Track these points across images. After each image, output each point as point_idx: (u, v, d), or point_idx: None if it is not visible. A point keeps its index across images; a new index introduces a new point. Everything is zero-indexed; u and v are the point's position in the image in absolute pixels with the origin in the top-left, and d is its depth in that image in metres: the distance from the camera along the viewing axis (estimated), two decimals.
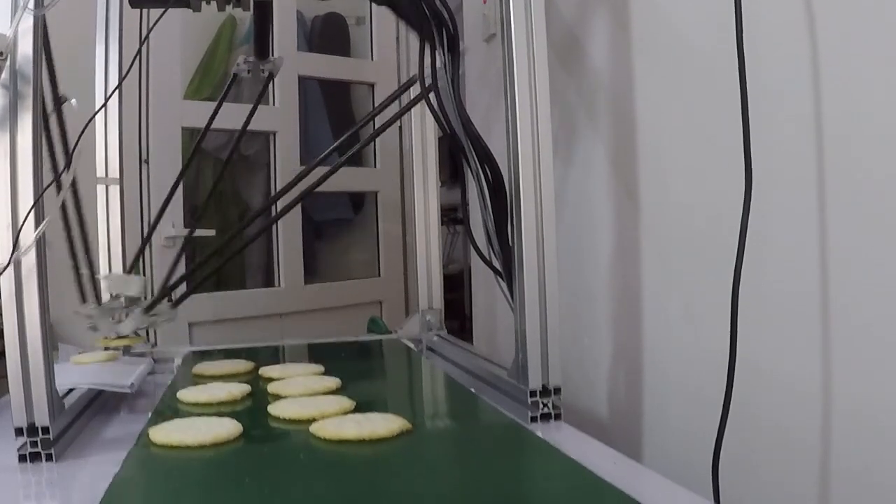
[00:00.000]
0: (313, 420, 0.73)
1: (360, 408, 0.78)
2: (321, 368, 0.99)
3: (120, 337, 1.04)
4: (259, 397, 0.87)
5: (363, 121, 1.17)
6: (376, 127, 1.11)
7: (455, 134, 0.92)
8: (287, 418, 0.76)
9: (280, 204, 1.11)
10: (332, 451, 0.67)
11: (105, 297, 1.08)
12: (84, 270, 1.04)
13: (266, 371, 0.98)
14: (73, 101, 0.84)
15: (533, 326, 0.80)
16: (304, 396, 0.84)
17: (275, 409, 0.79)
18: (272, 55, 1.43)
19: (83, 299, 1.04)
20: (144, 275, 1.75)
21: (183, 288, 1.11)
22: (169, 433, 0.69)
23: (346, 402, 0.79)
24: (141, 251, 1.14)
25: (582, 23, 1.12)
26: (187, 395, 0.87)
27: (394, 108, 1.13)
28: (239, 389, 0.87)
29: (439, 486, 0.61)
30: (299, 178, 1.07)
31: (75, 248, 1.03)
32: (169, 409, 0.82)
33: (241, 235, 1.15)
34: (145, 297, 1.06)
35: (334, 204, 2.45)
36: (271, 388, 0.88)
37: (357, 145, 1.17)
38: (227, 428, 0.70)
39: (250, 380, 0.94)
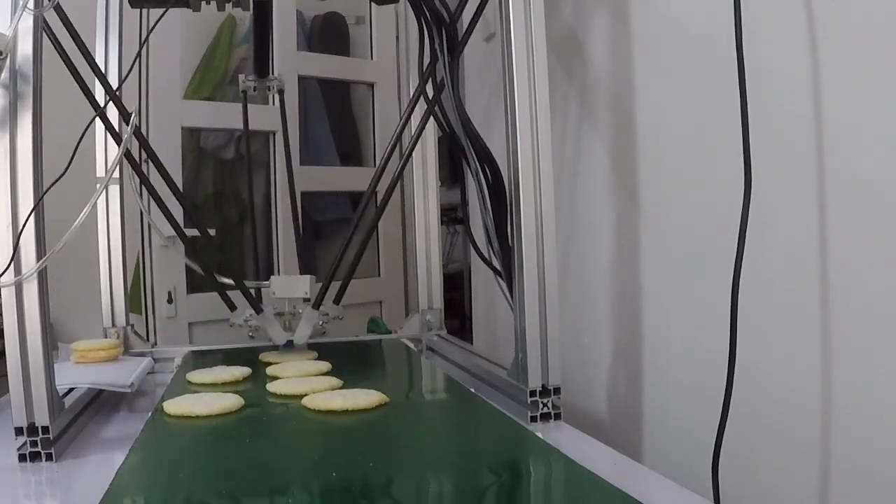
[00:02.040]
0: (305, 395, 0.83)
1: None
2: (315, 354, 1.08)
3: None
4: (258, 378, 0.96)
5: (390, 147, 1.16)
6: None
7: (455, 134, 0.92)
8: (282, 394, 0.87)
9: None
10: (319, 419, 0.78)
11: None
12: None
13: (265, 356, 1.07)
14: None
15: (533, 326, 0.81)
16: (299, 377, 0.93)
17: (272, 387, 0.89)
18: (272, 73, 1.44)
19: (231, 307, 1.03)
20: (144, 275, 1.76)
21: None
22: (180, 405, 0.80)
23: (335, 381, 0.90)
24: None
25: (582, 23, 1.12)
26: (195, 376, 0.95)
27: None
28: (241, 371, 0.97)
29: (415, 446, 0.71)
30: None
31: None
32: (180, 388, 0.91)
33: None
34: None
35: (334, 204, 2.45)
36: (269, 370, 0.98)
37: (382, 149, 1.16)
38: (231, 401, 0.81)
39: (251, 366, 1.02)
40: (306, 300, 1.09)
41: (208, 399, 0.82)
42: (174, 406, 0.80)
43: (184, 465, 0.65)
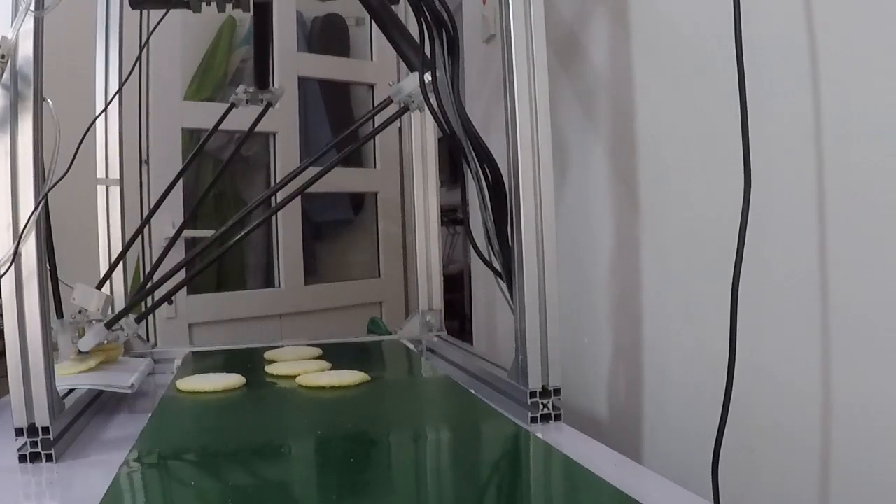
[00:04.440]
0: (298, 375, 0.96)
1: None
2: (319, 352, 1.14)
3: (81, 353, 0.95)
4: (258, 363, 1.07)
5: (361, 119, 1.17)
6: (375, 126, 1.11)
7: (455, 134, 0.92)
8: (279, 374, 1.00)
9: (275, 202, 1.11)
10: (310, 394, 0.91)
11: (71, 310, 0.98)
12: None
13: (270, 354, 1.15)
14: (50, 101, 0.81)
15: (533, 327, 0.80)
16: (293, 361, 1.05)
17: (269, 368, 1.02)
18: (272, 85, 1.44)
19: (59, 314, 0.98)
20: (144, 275, 1.76)
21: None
22: (191, 383, 0.93)
23: (324, 364, 1.02)
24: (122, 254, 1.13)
25: (582, 23, 1.12)
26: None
27: (393, 108, 1.14)
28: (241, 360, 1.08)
29: (390, 412, 0.86)
30: (294, 174, 1.07)
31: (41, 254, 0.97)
32: (188, 372, 1.03)
33: (224, 239, 1.12)
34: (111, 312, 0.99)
35: (334, 205, 2.45)
36: (267, 355, 1.10)
37: (353, 145, 1.17)
38: (234, 379, 0.94)
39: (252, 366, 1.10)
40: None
41: (214, 378, 0.95)
42: (185, 384, 0.93)
43: (195, 428, 0.80)
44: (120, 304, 1.18)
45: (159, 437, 0.74)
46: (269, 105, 1.45)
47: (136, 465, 0.65)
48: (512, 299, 0.86)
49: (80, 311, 1.01)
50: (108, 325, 0.98)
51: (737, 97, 0.69)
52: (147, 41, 1.28)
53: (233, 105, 1.41)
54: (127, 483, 0.61)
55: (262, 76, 1.40)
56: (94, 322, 1.00)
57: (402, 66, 2.37)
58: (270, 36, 1.28)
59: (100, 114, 1.15)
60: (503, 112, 0.83)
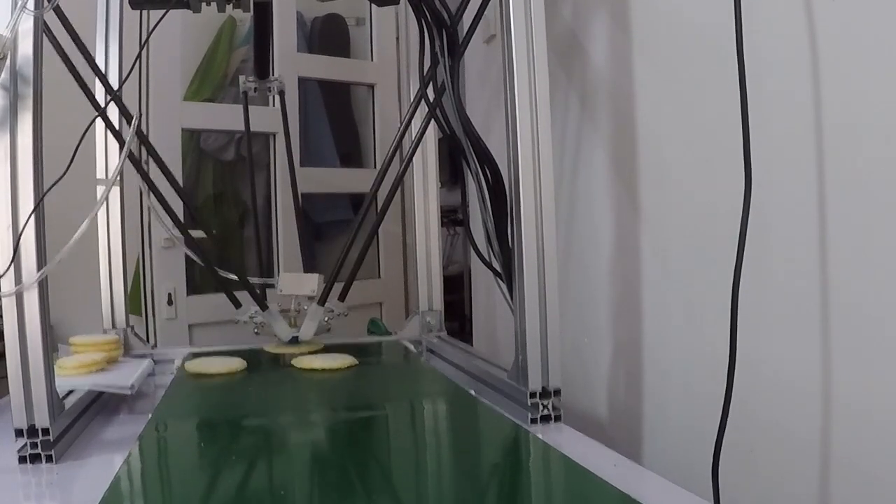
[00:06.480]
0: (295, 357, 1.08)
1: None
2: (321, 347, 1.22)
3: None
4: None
5: (392, 149, 1.19)
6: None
7: (455, 135, 0.92)
8: (275, 352, 1.13)
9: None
10: (304, 375, 1.03)
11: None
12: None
13: (270, 348, 1.22)
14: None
15: (533, 328, 0.80)
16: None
17: (268, 348, 1.15)
18: (272, 74, 1.44)
19: (236, 305, 1.11)
20: (144, 276, 1.76)
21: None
22: (198, 366, 1.04)
23: (315, 346, 1.14)
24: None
25: (582, 23, 1.12)
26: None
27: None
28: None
29: (375, 390, 0.99)
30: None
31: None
32: (196, 355, 1.14)
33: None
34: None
35: (334, 205, 2.45)
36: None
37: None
38: (237, 363, 1.05)
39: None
40: (310, 298, 1.12)
41: (219, 361, 1.06)
42: (193, 366, 1.03)
43: (204, 404, 0.92)
44: (119, 304, 1.18)
45: (172, 413, 0.85)
46: (282, 92, 1.45)
47: (152, 435, 0.76)
48: (512, 300, 0.85)
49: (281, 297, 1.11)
50: (321, 303, 1.08)
51: (737, 96, 0.69)
52: (146, 41, 1.28)
53: (245, 94, 1.42)
54: (148, 449, 0.71)
55: (263, 66, 1.40)
56: (303, 308, 1.10)
57: (403, 65, 2.37)
58: (270, 26, 1.28)
59: (100, 112, 1.15)
60: (503, 112, 0.83)
